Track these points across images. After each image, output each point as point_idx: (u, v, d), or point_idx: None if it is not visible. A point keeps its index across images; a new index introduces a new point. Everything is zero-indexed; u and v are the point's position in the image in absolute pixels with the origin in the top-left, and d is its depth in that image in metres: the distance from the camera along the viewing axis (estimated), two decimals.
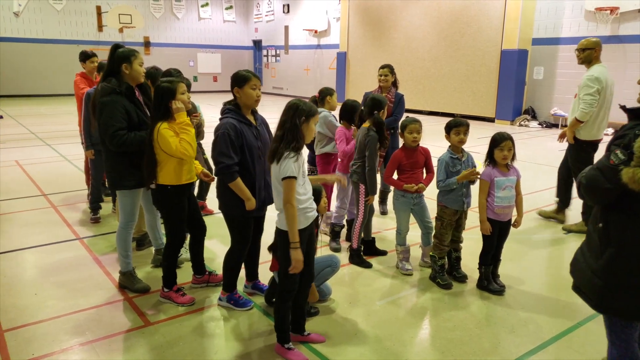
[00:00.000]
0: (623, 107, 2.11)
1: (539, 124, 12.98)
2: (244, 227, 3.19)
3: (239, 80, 3.03)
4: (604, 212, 2.07)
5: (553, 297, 3.59)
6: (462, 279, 3.77)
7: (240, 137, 2.97)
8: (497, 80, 13.21)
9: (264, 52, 23.58)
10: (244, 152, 3.00)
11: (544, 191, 6.43)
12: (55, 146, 9.25)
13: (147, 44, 21.09)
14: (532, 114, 13.38)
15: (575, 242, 4.69)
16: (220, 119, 3.05)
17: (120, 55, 3.30)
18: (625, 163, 1.87)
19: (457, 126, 3.56)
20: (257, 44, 24.11)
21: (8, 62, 18.25)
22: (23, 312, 3.27)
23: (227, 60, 23.60)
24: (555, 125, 12.90)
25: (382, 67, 5.16)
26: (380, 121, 3.89)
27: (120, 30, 19.72)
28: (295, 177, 2.57)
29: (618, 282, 2.01)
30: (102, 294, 3.54)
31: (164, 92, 3.12)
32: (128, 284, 3.57)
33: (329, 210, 4.83)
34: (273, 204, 2.88)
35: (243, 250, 3.26)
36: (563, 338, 3.06)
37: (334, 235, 4.48)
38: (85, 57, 5.53)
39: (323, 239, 4.55)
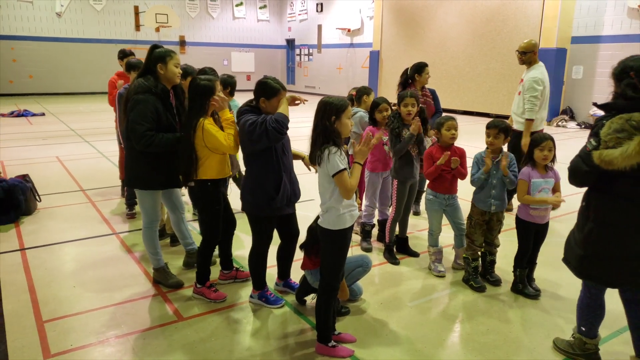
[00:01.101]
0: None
1: (578, 125, 12.54)
2: (269, 226, 3.21)
3: (268, 92, 3.01)
4: (587, 193, 2.50)
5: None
6: (497, 282, 3.68)
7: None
8: None
9: (297, 51, 23.67)
10: (271, 149, 3.01)
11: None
12: (93, 143, 9.56)
13: (182, 43, 21.54)
14: (570, 115, 12.94)
15: None
16: (240, 118, 3.06)
17: (157, 55, 3.33)
18: (597, 148, 2.25)
19: (488, 128, 3.53)
20: (290, 43, 24.24)
21: (50, 61, 19.03)
22: (62, 304, 3.38)
23: (261, 59, 23.84)
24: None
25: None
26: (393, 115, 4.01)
27: (157, 29, 20.20)
28: (345, 169, 2.57)
29: (595, 253, 2.40)
30: (137, 288, 3.62)
31: (203, 89, 3.15)
32: (162, 279, 3.64)
33: (360, 210, 4.81)
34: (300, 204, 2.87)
35: (265, 249, 3.28)
36: (601, 346, 2.93)
37: (365, 234, 4.45)
38: (123, 55, 5.68)
39: (354, 238, 4.53)
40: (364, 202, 4.51)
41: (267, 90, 3.02)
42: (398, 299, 3.50)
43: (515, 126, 5.21)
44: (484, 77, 14.25)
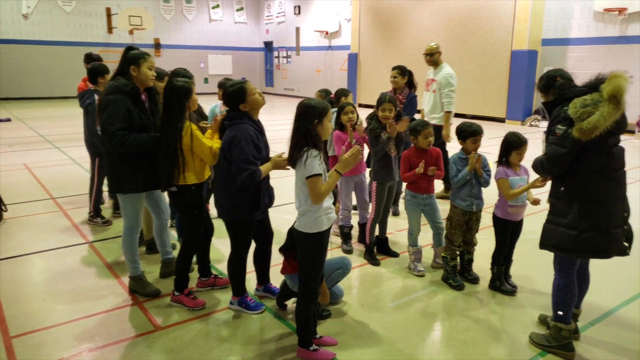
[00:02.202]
0: (544, 103, 2.89)
1: None
2: (247, 233, 3.17)
3: (242, 95, 2.97)
4: (562, 179, 2.71)
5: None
6: (475, 280, 3.72)
7: (259, 144, 2.98)
8: (508, 80, 13.10)
9: (275, 53, 23.59)
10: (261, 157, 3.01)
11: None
12: (64, 149, 9.30)
13: (157, 45, 21.20)
14: (543, 114, 13.23)
15: None
16: (233, 124, 2.99)
17: (130, 57, 3.27)
18: (568, 128, 2.55)
19: (474, 135, 3.54)
20: (268, 46, 24.13)
21: (17, 65, 18.38)
22: (32, 318, 3.25)
23: (238, 62, 23.65)
24: None
25: (393, 68, 5.23)
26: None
27: (131, 32, 19.82)
28: (320, 174, 2.55)
29: (588, 227, 2.60)
30: (112, 299, 3.51)
31: (181, 90, 3.08)
32: (138, 288, 3.54)
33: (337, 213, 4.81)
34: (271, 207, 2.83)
35: (244, 255, 3.24)
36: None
37: (345, 237, 4.43)
38: (90, 59, 5.51)
39: (334, 241, 4.51)
40: (340, 206, 4.49)
41: (241, 93, 2.99)
42: (379, 299, 3.49)
43: (435, 122, 5.63)
44: (459, 79, 14.25)
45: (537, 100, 13.38)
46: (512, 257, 3.63)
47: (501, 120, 13.53)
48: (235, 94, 2.97)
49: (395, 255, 4.22)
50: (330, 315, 3.23)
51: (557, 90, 2.79)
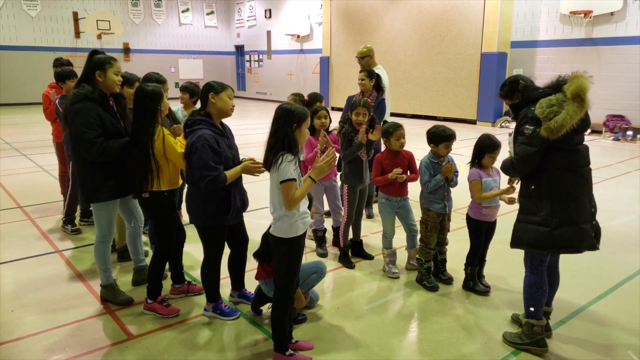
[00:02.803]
0: (510, 106, 3.00)
1: None
2: (219, 238, 3.15)
3: (216, 87, 2.98)
4: (532, 177, 2.79)
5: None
6: (449, 281, 3.77)
7: (218, 148, 2.92)
8: (478, 82, 13.38)
9: (247, 57, 23.48)
10: (222, 162, 2.94)
11: None
12: (31, 156, 9.03)
13: (126, 50, 20.83)
14: (513, 116, 13.56)
15: None
16: (192, 130, 2.97)
17: (96, 62, 3.19)
18: (536, 127, 2.64)
19: (448, 140, 3.55)
20: (240, 49, 24.02)
21: None
22: (0, 330, 3.15)
23: (209, 66, 23.44)
24: None
25: (360, 71, 5.25)
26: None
27: (99, 36, 19.44)
28: (295, 180, 2.55)
29: (561, 223, 2.69)
30: (83, 308, 3.43)
31: (153, 95, 3.04)
32: (110, 296, 3.47)
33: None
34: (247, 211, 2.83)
35: (218, 260, 3.22)
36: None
37: (319, 240, 4.45)
38: (60, 64, 5.38)
39: (308, 244, 4.52)
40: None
41: (214, 85, 2.99)
42: (354, 303, 3.51)
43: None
44: (430, 81, 14.69)
45: None
46: (485, 258, 3.70)
47: (472, 122, 13.80)
48: (205, 91, 2.99)
49: (369, 257, 4.25)
50: (305, 319, 3.24)
51: (521, 92, 2.90)
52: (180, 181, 3.32)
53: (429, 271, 3.73)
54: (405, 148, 3.87)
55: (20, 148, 9.87)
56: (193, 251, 4.32)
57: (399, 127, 3.79)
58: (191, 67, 22.89)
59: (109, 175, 3.21)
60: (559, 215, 2.71)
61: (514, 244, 2.89)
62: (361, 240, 4.31)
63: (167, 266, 3.62)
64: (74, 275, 4.00)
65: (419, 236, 3.82)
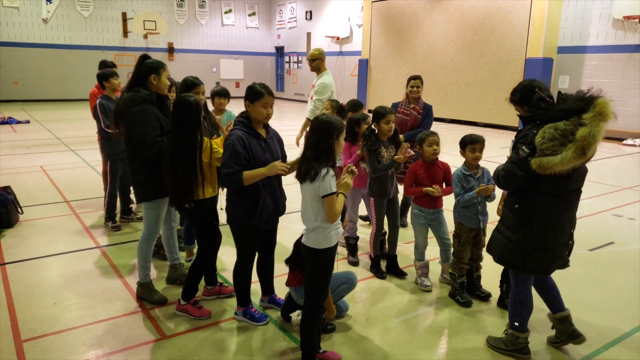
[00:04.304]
0: (520, 116, 2.84)
1: None
2: (250, 240, 3.18)
3: (252, 96, 3.01)
4: (518, 196, 2.73)
5: (578, 318, 3.44)
6: (486, 297, 3.66)
7: (247, 150, 2.95)
8: None
9: (286, 58, 23.70)
10: (250, 164, 2.96)
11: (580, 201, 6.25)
12: (79, 152, 9.44)
13: (170, 50, 21.44)
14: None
15: (600, 264, 4.54)
16: (230, 131, 3.07)
17: (150, 66, 3.32)
18: (530, 155, 2.53)
19: (472, 143, 3.49)
20: (280, 50, 24.27)
21: (36, 68, 18.81)
22: (42, 322, 3.31)
23: (250, 67, 23.82)
24: None
25: (414, 78, 5.03)
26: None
27: (145, 36, 20.11)
28: (335, 193, 2.56)
29: (538, 247, 2.67)
30: (120, 305, 3.56)
31: (194, 106, 3.09)
32: (146, 295, 3.58)
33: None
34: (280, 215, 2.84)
35: (248, 264, 3.25)
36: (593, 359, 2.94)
37: (351, 248, 4.42)
38: (104, 66, 5.63)
39: (339, 251, 4.51)
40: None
41: (251, 94, 3.01)
42: (384, 314, 3.48)
43: None
44: (471, 86, 14.38)
45: None
46: None
47: (514, 129, 13.40)
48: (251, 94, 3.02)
49: (402, 275, 4.06)
50: (334, 329, 3.23)
51: (534, 107, 2.68)
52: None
53: (463, 286, 3.64)
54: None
55: (69, 143, 10.33)
56: (225, 254, 4.40)
57: (432, 133, 3.72)
58: (232, 67, 23.32)
59: (157, 174, 3.28)
60: (535, 241, 2.68)
61: (488, 250, 2.96)
62: (396, 255, 4.15)
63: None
64: (112, 271, 4.15)
65: (452, 250, 3.73)
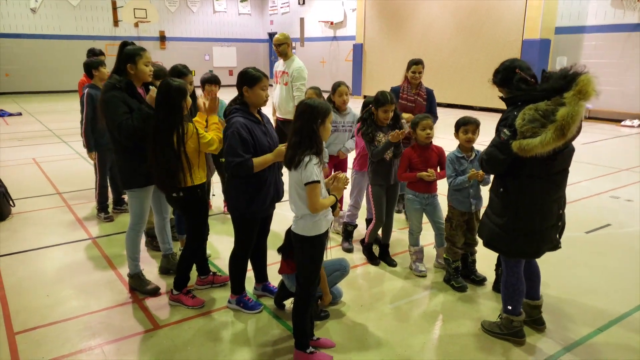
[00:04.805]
0: (501, 98, 2.74)
1: None
2: (251, 227, 3.14)
3: (250, 80, 2.95)
4: (502, 180, 2.69)
5: (575, 300, 3.45)
6: (482, 282, 3.65)
7: (252, 135, 2.91)
8: None
9: None
10: (256, 150, 2.93)
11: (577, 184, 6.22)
12: (71, 143, 9.34)
13: (162, 38, 21.17)
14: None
15: (597, 246, 4.52)
16: (228, 119, 2.99)
17: (126, 54, 3.25)
18: (512, 137, 2.48)
19: (465, 124, 3.44)
20: (272, 37, 23.96)
21: (26, 59, 18.50)
22: (34, 314, 3.28)
23: (243, 54, 23.56)
24: None
25: (416, 62, 4.75)
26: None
27: (136, 25, 19.84)
28: (319, 181, 2.51)
29: (526, 232, 2.63)
30: (113, 296, 3.53)
31: (178, 90, 3.03)
32: (137, 286, 3.55)
33: (341, 210, 4.76)
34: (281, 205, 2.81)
35: (247, 251, 3.22)
36: (584, 344, 2.93)
37: (347, 235, 4.39)
38: (92, 54, 5.51)
39: (333, 237, 4.49)
40: (348, 201, 4.45)
41: (248, 79, 2.95)
42: (379, 300, 3.46)
43: (285, 116, 5.46)
44: (467, 69, 14.26)
45: None
46: None
47: None
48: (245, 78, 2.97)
49: (392, 264, 3.99)
50: (328, 316, 3.21)
51: (515, 88, 2.61)
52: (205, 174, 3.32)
53: (457, 271, 3.62)
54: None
55: (61, 135, 10.23)
56: (217, 242, 4.37)
57: (425, 117, 3.66)
58: (225, 54, 23.07)
59: (142, 162, 3.23)
60: (522, 225, 2.65)
61: (478, 233, 2.97)
62: (388, 244, 4.09)
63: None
64: (105, 262, 4.12)
65: (445, 235, 3.70)
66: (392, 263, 4.01)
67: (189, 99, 3.14)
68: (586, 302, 3.41)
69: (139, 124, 3.14)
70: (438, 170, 3.74)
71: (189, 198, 3.20)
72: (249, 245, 3.21)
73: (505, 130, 2.54)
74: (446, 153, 3.78)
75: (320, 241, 2.66)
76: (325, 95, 4.40)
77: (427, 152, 3.70)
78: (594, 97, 2.33)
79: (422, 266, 3.84)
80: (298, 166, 2.52)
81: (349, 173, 4.26)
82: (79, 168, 7.45)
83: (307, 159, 2.50)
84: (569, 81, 2.36)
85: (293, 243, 2.74)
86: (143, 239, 4.36)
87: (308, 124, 2.53)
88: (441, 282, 3.70)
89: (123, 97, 3.19)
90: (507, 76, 2.68)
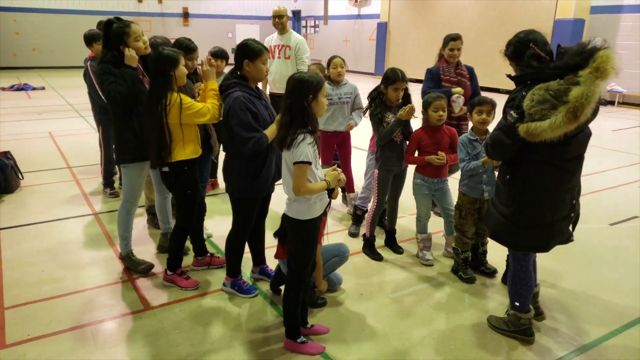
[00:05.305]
0: (509, 76, 2.47)
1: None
2: (251, 207, 2.99)
3: (251, 54, 2.78)
4: (510, 166, 2.47)
5: (592, 297, 3.19)
6: (492, 274, 3.42)
7: (255, 109, 2.76)
8: None
9: (303, 22, 23.03)
10: (260, 125, 2.78)
11: (604, 172, 5.87)
12: (88, 118, 9.34)
13: (185, 15, 21.04)
14: None
15: (621, 239, 4.22)
16: (227, 94, 2.80)
17: (115, 38, 3.11)
18: (519, 120, 2.24)
19: (480, 104, 3.18)
20: (296, 15, 23.57)
21: (53, 34, 18.71)
22: (27, 289, 3.23)
23: (266, 32, 23.12)
24: (611, 103, 11.88)
25: (454, 38, 4.20)
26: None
27: (160, 1, 19.74)
28: (309, 163, 2.32)
29: (532, 224, 2.41)
30: (107, 274, 3.45)
31: (167, 60, 2.87)
32: (130, 265, 3.46)
33: (352, 192, 4.57)
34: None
35: (245, 232, 3.08)
36: (598, 346, 2.69)
37: (356, 219, 4.19)
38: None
39: (331, 223, 4.31)
40: (363, 184, 4.25)
41: (250, 52, 2.79)
42: (380, 289, 3.28)
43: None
44: (495, 51, 13.62)
45: None
46: None
47: None
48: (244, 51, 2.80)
49: (399, 252, 3.79)
50: (325, 303, 3.06)
51: (526, 65, 2.36)
52: (200, 151, 3.15)
53: (466, 262, 3.39)
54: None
55: (80, 109, 10.28)
56: (220, 221, 4.24)
57: (439, 97, 3.39)
58: (248, 32, 22.75)
59: (133, 138, 3.15)
60: (530, 215, 2.42)
61: (484, 223, 2.82)
62: (395, 230, 3.89)
63: (209, 232, 3.65)
64: (104, 239, 4.05)
65: (454, 224, 3.46)
66: (398, 250, 3.81)
67: (183, 69, 2.96)
68: (604, 300, 3.15)
69: (124, 88, 3.03)
70: (449, 153, 3.49)
71: (176, 174, 3.04)
72: (248, 227, 3.06)
73: (512, 112, 2.30)
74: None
75: (314, 225, 2.49)
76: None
77: (438, 134, 3.45)
78: (611, 77, 2.07)
79: (429, 255, 3.63)
80: (291, 146, 2.33)
81: (354, 152, 4.06)
82: (93, 142, 7.37)
83: (300, 137, 2.31)
84: (585, 58, 2.10)
85: (286, 227, 2.57)
86: (143, 219, 4.31)
87: (299, 100, 2.33)
88: (448, 273, 3.49)
89: (108, 69, 3.09)
90: (519, 50, 2.42)
